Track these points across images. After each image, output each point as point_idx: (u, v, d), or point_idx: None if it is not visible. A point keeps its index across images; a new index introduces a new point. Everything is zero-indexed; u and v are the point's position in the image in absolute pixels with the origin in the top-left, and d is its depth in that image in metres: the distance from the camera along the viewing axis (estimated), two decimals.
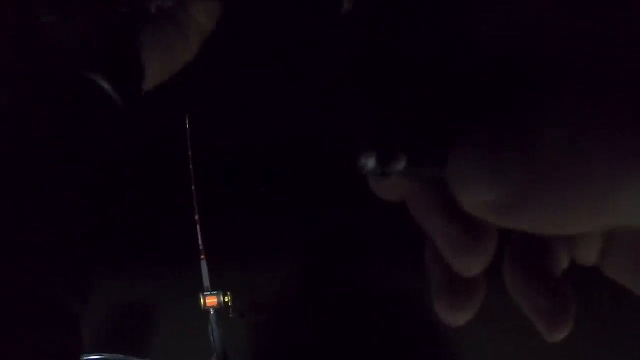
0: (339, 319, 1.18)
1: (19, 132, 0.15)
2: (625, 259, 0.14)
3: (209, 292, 1.02)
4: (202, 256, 1.05)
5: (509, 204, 0.12)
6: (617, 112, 0.11)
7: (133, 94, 0.16)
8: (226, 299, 1.02)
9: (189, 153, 1.05)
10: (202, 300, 1.00)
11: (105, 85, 0.14)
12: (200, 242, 1.05)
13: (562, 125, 0.11)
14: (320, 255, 1.38)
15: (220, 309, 1.02)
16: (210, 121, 1.02)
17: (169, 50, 0.22)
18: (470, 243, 0.15)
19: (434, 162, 0.13)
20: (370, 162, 0.13)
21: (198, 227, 1.05)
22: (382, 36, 0.14)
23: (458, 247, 0.16)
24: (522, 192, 0.12)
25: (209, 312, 1.01)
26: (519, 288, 0.16)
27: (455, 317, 0.17)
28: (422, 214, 0.16)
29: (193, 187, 1.05)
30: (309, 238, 1.39)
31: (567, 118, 0.11)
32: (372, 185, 0.16)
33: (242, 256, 1.33)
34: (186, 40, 0.23)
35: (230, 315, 1.08)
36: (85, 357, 0.72)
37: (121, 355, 0.78)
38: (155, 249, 1.36)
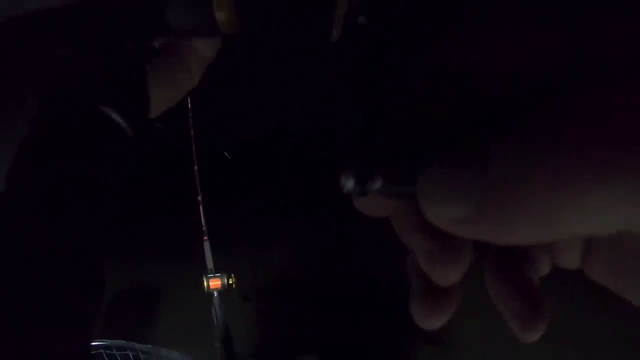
0: (342, 301, 1.17)
1: (43, 156, 0.16)
2: (604, 263, 0.15)
3: (212, 275, 1.01)
4: (205, 237, 1.04)
5: (470, 220, 0.14)
6: (556, 143, 0.13)
7: (140, 122, 0.18)
8: (230, 282, 1.01)
9: (191, 133, 1.04)
10: (205, 283, 0.99)
11: (115, 115, 0.16)
12: (203, 223, 1.04)
13: (509, 154, 0.13)
14: (324, 237, 1.37)
15: (224, 291, 1.00)
16: (212, 104, 1.00)
17: (172, 82, 0.24)
18: (445, 256, 0.17)
19: (406, 182, 0.15)
20: (349, 183, 0.15)
21: (201, 208, 1.03)
22: (365, 69, 0.16)
23: (434, 260, 0.17)
24: (479, 209, 0.14)
25: (213, 294, 1.00)
26: (496, 292, 0.18)
27: (431, 322, 0.18)
28: (401, 229, 0.18)
29: (196, 168, 1.03)
30: (312, 221, 1.38)
31: (513, 148, 0.13)
32: (355, 203, 0.17)
33: (245, 239, 1.32)
34: (188, 71, 0.24)
35: (235, 297, 1.07)
36: None
37: (123, 341, 0.76)
38: (158, 231, 1.34)
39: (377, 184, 0.15)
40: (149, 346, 0.75)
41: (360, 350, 1.04)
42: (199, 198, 1.04)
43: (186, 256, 1.08)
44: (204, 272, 1.00)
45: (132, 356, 0.73)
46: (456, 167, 0.14)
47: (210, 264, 1.04)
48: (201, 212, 1.03)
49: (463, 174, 0.14)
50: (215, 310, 0.99)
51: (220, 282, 1.00)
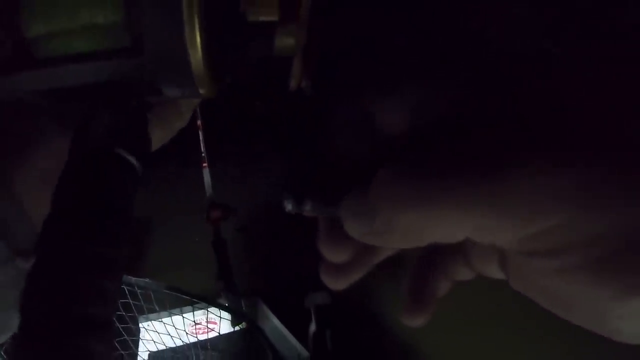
0: None
1: (68, 191, 0.20)
2: (511, 276, 0.19)
3: (211, 203, 0.96)
4: (205, 164, 0.98)
5: (376, 234, 0.18)
6: (416, 167, 0.17)
7: (144, 157, 0.22)
8: (229, 212, 0.96)
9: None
10: (205, 212, 0.94)
11: (126, 154, 0.21)
12: (202, 149, 0.97)
13: (378, 183, 0.18)
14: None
15: (224, 222, 0.96)
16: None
17: (167, 124, 0.29)
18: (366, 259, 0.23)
19: (330, 206, 0.20)
20: (289, 205, 0.21)
21: (201, 133, 0.96)
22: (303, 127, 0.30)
23: (323, 246, 0.23)
24: (379, 227, 0.18)
25: (212, 224, 0.96)
26: (405, 284, 0.24)
27: (412, 321, 0.24)
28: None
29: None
30: (311, 152, 1.31)
31: (388, 190, 0.18)
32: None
33: (243, 169, 1.27)
34: (180, 115, 0.29)
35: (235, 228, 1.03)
36: None
37: None
38: (156, 159, 1.27)
39: (307, 206, 0.21)
40: (146, 280, 0.71)
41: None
42: (199, 122, 0.97)
43: (180, 188, 1.03)
44: (199, 203, 0.95)
45: (128, 290, 0.69)
46: (361, 200, 0.19)
47: (209, 191, 0.98)
48: (201, 138, 0.96)
49: (367, 205, 0.18)
50: (216, 241, 0.95)
51: (220, 212, 0.96)
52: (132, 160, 0.21)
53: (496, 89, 0.17)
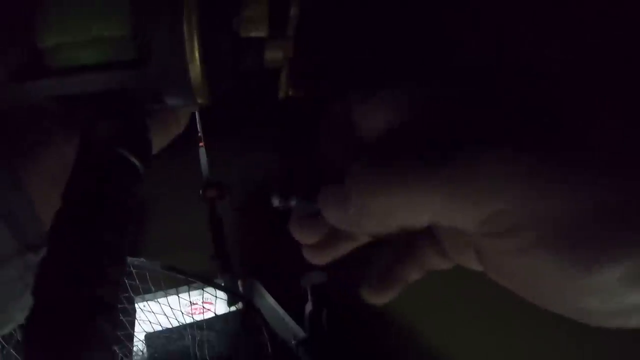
0: None
1: (78, 187, 0.22)
2: (484, 261, 0.19)
3: (207, 182, 0.95)
4: (201, 144, 0.97)
5: (351, 220, 0.20)
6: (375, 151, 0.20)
7: (146, 159, 0.24)
8: (225, 191, 0.95)
9: None
10: (201, 192, 0.93)
11: (129, 156, 0.23)
12: (199, 129, 0.96)
13: (356, 184, 0.19)
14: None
15: (220, 200, 0.95)
16: None
17: (166, 129, 0.31)
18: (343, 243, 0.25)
19: (315, 202, 0.22)
20: (276, 201, 0.23)
21: (197, 113, 0.95)
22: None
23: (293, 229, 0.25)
24: (353, 213, 0.20)
25: (208, 203, 0.95)
26: (378, 266, 0.25)
27: (373, 299, 0.26)
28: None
29: None
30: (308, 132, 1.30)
31: (359, 179, 0.19)
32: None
33: (241, 149, 1.25)
34: (177, 121, 0.31)
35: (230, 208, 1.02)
36: None
37: None
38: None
39: (293, 202, 0.23)
40: (142, 259, 0.70)
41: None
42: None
43: (177, 167, 1.01)
44: (194, 183, 0.94)
45: None
46: (336, 187, 0.21)
47: (205, 170, 0.97)
48: (197, 118, 0.94)
49: (343, 200, 0.20)
50: (212, 221, 0.94)
51: (216, 191, 0.95)
52: (135, 161, 0.23)
53: (464, 90, 0.19)
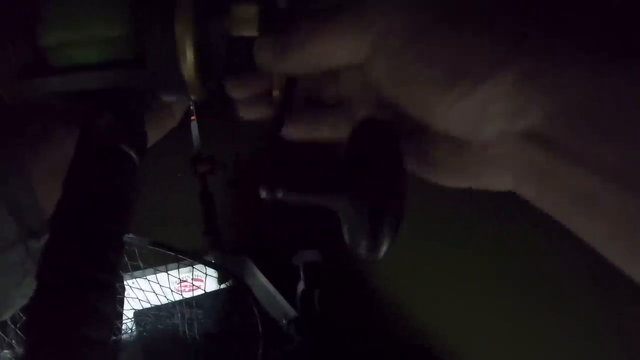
0: None
1: (79, 177, 0.23)
2: (384, 86, 0.23)
3: (198, 156, 0.92)
4: (193, 117, 0.94)
5: (289, 59, 0.23)
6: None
7: (142, 151, 0.25)
8: (217, 165, 0.93)
9: None
10: (194, 166, 0.91)
11: (128, 149, 0.24)
12: (191, 103, 0.93)
13: (299, 30, 0.23)
14: None
15: (211, 174, 0.92)
16: None
17: (161, 124, 0.33)
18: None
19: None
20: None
21: None
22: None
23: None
24: (293, 51, 0.23)
25: (199, 178, 0.92)
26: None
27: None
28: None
29: None
30: None
31: (302, 26, 0.23)
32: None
33: (234, 124, 1.23)
34: (172, 116, 0.34)
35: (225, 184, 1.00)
36: None
37: None
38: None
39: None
40: (130, 235, 0.68)
41: None
42: None
43: (167, 141, 0.99)
44: (185, 157, 0.91)
45: None
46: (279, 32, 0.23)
47: (197, 144, 0.94)
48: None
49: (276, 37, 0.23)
50: (203, 196, 0.92)
51: (207, 166, 0.92)
52: (132, 153, 0.25)
53: None
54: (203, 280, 0.85)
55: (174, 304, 0.85)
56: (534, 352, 0.85)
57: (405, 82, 0.21)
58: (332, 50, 0.22)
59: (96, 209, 0.22)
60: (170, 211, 1.07)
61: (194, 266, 0.81)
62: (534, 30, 0.19)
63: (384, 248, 0.21)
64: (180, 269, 0.79)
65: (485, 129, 0.20)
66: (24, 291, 0.28)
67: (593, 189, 0.18)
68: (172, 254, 0.72)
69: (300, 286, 0.90)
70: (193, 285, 0.84)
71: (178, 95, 0.25)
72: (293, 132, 0.28)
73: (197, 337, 0.85)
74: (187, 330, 0.85)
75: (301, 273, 0.92)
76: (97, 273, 0.21)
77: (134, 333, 0.86)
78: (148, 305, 0.86)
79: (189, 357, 0.85)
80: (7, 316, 0.29)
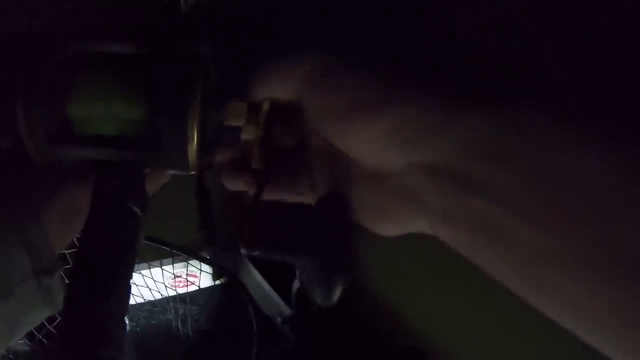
0: None
1: (94, 231, 0.27)
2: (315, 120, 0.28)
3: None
4: None
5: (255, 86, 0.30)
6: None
7: (144, 208, 0.29)
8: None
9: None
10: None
11: (133, 207, 0.28)
12: None
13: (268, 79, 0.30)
14: None
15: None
16: None
17: (156, 182, 0.38)
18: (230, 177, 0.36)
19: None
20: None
21: None
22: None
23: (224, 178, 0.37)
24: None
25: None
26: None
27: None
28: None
29: None
30: None
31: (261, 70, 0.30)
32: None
33: None
34: (167, 177, 0.39)
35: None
36: None
37: None
38: None
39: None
40: None
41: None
42: None
43: None
44: None
45: None
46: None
47: None
48: None
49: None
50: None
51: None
52: (138, 211, 0.28)
53: None
54: (197, 276, 0.84)
55: (167, 299, 0.84)
56: (531, 355, 0.85)
57: (324, 111, 0.26)
58: (277, 84, 0.29)
59: (110, 258, 0.27)
60: (166, 205, 1.06)
61: (189, 262, 0.80)
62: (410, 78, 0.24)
63: (336, 296, 0.28)
64: (174, 264, 0.79)
65: (391, 158, 0.24)
66: (30, 319, 0.32)
67: (495, 218, 0.20)
68: (167, 249, 0.71)
69: (296, 284, 0.90)
70: (187, 281, 0.83)
71: (180, 170, 0.30)
72: (268, 195, 0.33)
73: (190, 333, 0.84)
74: (180, 327, 0.84)
75: (296, 271, 0.91)
76: (107, 306, 0.26)
77: (127, 328, 0.86)
78: (142, 301, 0.85)
79: (181, 354, 0.84)
80: (14, 340, 0.32)
